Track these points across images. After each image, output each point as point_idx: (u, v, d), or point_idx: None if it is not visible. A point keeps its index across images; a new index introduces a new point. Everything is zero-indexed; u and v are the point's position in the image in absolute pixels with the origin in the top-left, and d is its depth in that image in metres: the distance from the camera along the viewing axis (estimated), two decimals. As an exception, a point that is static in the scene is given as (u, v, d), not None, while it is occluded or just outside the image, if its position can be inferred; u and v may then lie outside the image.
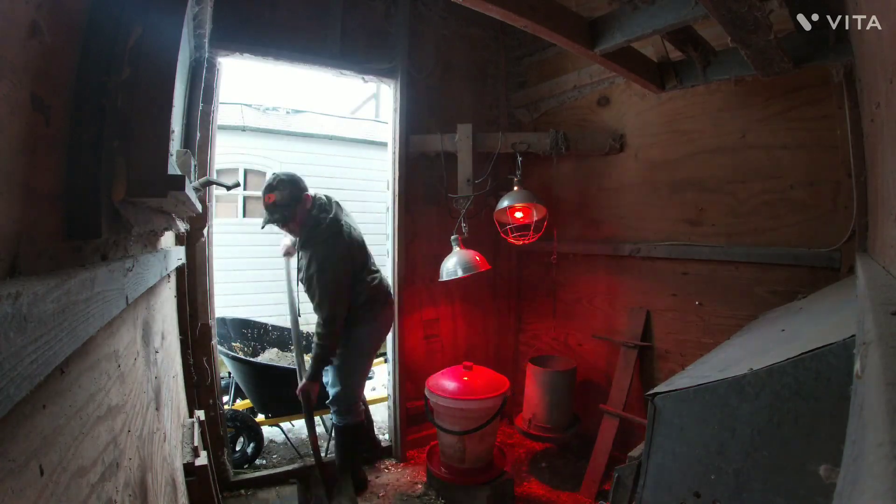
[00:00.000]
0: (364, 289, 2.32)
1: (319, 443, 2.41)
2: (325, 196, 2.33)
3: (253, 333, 3.55)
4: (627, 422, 2.49)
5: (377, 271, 2.44)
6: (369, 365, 2.49)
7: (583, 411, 2.80)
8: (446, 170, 2.92)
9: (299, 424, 3.27)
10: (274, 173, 2.23)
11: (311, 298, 2.20)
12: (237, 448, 2.77)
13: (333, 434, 2.50)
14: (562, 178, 3.01)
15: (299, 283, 2.34)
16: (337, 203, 2.34)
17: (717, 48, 1.98)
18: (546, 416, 2.65)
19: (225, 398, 3.19)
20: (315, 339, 2.20)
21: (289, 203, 2.14)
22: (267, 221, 2.21)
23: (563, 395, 2.65)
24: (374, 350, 2.48)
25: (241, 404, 3.27)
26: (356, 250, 2.30)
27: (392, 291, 2.55)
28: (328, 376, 2.40)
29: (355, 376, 2.41)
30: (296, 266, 2.37)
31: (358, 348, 2.37)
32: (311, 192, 2.30)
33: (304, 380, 2.29)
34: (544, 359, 2.92)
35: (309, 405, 2.31)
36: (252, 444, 2.79)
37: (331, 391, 2.39)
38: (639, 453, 1.68)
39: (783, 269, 2.05)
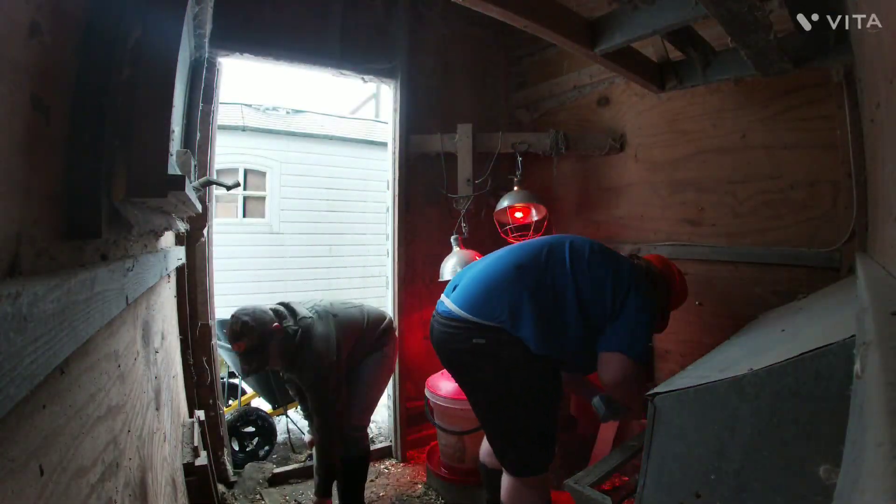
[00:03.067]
0: (371, 339, 2.21)
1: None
2: (281, 304, 2.10)
3: None
4: (627, 422, 2.48)
5: (372, 314, 2.26)
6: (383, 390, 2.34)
7: (582, 411, 2.80)
8: (446, 170, 2.92)
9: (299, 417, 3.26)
10: (233, 315, 1.92)
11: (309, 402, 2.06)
12: (248, 447, 2.78)
13: (345, 468, 2.18)
14: (562, 178, 3.01)
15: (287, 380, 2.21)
16: (291, 307, 2.09)
17: (717, 48, 1.98)
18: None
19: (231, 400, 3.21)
20: (318, 448, 2.08)
21: (260, 345, 1.89)
22: (246, 373, 1.99)
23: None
24: (390, 373, 2.35)
25: (246, 398, 3.28)
26: (336, 327, 2.08)
27: (389, 316, 2.36)
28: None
29: (377, 397, 2.27)
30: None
31: (383, 369, 2.27)
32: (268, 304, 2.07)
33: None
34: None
35: None
36: (265, 448, 2.80)
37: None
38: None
39: (783, 269, 2.04)
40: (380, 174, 5.44)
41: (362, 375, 2.18)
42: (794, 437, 0.77)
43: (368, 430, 2.32)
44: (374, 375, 2.21)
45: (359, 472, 2.20)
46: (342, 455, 2.13)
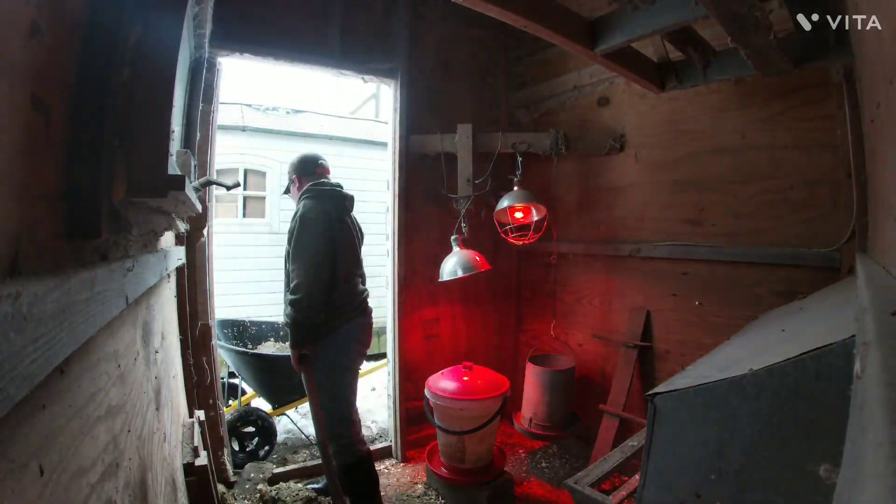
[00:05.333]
0: (350, 293, 2.10)
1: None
2: (340, 186, 2.24)
3: (233, 331, 3.58)
4: (627, 422, 2.49)
5: (364, 286, 2.25)
6: (354, 379, 2.16)
7: (582, 411, 2.80)
8: (446, 170, 2.91)
9: (304, 409, 3.24)
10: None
11: (289, 263, 2.01)
12: (248, 447, 2.78)
13: (340, 478, 2.09)
14: (562, 178, 3.01)
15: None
16: (345, 196, 2.21)
17: (717, 48, 1.98)
18: (546, 414, 2.65)
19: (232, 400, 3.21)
20: (287, 309, 1.97)
21: (291, 171, 2.36)
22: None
23: (562, 394, 2.65)
24: (358, 360, 2.17)
25: (246, 398, 3.28)
26: (341, 238, 2.08)
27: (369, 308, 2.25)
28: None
29: (341, 393, 2.09)
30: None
31: (338, 359, 2.08)
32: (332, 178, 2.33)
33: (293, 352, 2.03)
34: (544, 357, 2.92)
35: (311, 388, 2.02)
36: (265, 448, 2.80)
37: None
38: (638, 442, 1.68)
39: (783, 269, 2.05)
40: (380, 174, 5.44)
41: (340, 351, 2.06)
42: (794, 437, 0.77)
43: (368, 430, 2.17)
44: (350, 355, 2.10)
45: (360, 476, 2.11)
46: (337, 463, 2.07)
